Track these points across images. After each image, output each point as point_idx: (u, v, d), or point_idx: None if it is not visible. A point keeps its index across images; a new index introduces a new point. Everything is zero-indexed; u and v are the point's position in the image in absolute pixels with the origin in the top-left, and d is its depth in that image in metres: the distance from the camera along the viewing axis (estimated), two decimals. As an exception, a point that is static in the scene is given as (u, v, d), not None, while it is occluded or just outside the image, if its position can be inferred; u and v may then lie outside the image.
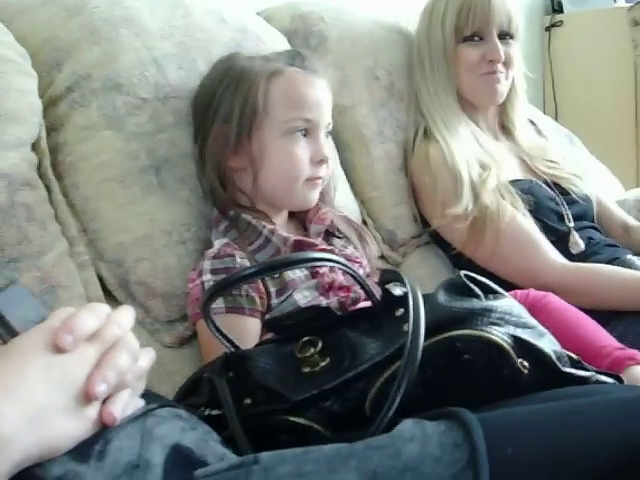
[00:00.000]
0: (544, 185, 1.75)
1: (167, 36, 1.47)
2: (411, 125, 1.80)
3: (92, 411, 0.67)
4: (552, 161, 1.85)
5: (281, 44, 1.72)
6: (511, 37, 1.77)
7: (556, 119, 2.70)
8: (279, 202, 1.38)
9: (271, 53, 1.43)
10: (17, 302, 0.72)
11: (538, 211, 1.66)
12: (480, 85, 1.77)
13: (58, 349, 0.66)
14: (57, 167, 1.33)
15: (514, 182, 1.68)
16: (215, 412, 0.94)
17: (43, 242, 1.22)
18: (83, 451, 0.66)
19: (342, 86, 1.74)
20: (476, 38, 1.74)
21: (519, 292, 1.28)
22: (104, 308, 0.74)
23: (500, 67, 1.76)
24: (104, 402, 0.69)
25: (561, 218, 1.70)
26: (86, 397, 0.66)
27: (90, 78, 1.35)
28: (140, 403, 0.75)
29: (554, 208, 1.71)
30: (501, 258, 1.62)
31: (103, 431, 0.68)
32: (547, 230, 1.65)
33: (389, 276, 0.95)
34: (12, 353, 0.66)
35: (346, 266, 0.94)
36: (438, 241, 1.76)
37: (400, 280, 0.91)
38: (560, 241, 1.67)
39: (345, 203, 1.65)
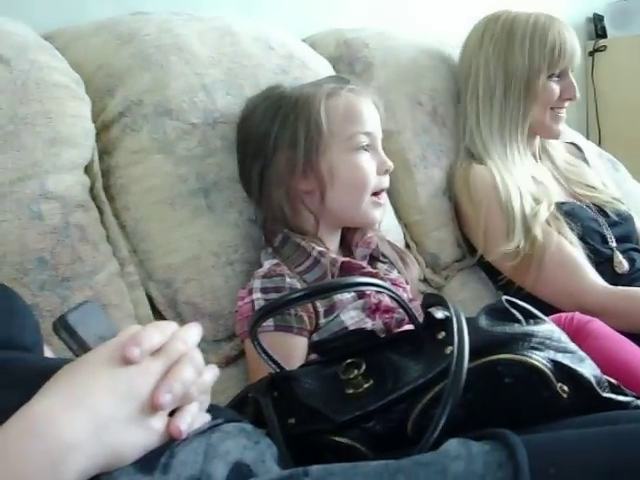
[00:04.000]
0: (585, 207, 1.76)
1: (215, 63, 1.51)
2: (459, 152, 1.82)
3: (158, 422, 0.70)
4: (590, 186, 1.86)
5: (326, 70, 1.75)
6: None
7: (599, 144, 2.70)
8: (347, 218, 1.42)
9: (315, 80, 1.47)
10: (90, 318, 0.76)
11: (583, 233, 1.66)
12: (547, 120, 1.80)
13: (125, 362, 0.69)
14: (109, 189, 1.38)
15: (558, 205, 1.69)
16: (262, 431, 0.97)
17: (95, 262, 1.26)
18: (149, 463, 0.68)
19: (386, 111, 1.74)
20: (556, 77, 1.77)
21: (563, 315, 1.29)
22: (171, 325, 0.77)
23: (567, 103, 1.81)
24: (172, 415, 0.72)
25: (604, 239, 1.71)
26: (152, 407, 0.69)
27: (141, 104, 1.40)
28: (207, 418, 0.77)
29: (597, 229, 1.72)
30: (545, 282, 1.63)
31: (169, 444, 0.70)
32: (591, 252, 1.65)
33: (432, 300, 0.96)
34: (81, 366, 0.70)
35: (390, 290, 0.96)
36: (483, 265, 1.77)
37: (443, 304, 0.92)
38: (604, 263, 1.67)
39: (389, 227, 1.68)
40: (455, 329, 0.86)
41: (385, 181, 1.42)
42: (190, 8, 1.69)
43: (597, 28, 3.18)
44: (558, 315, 1.26)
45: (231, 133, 1.44)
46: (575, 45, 1.77)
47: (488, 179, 1.69)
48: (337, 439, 0.91)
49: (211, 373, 0.79)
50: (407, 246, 1.76)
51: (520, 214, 1.62)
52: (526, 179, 1.72)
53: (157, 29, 1.50)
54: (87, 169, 1.34)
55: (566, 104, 1.81)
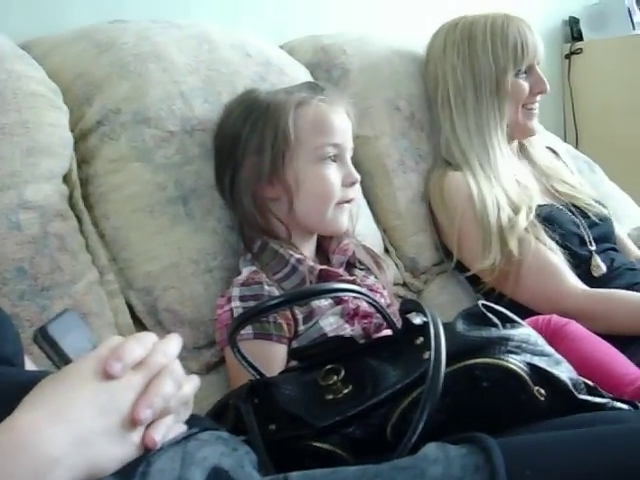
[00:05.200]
0: (565, 209, 1.77)
1: (193, 70, 1.51)
2: (436, 158, 1.83)
3: (136, 436, 0.70)
4: (569, 183, 1.87)
5: (304, 77, 1.76)
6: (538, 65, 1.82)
7: (577, 147, 2.71)
8: (313, 226, 1.41)
9: (290, 86, 1.47)
10: (70, 328, 0.76)
11: (561, 237, 1.67)
12: (521, 118, 1.81)
13: (107, 376, 0.70)
14: (88, 198, 1.38)
15: (538, 208, 1.70)
16: (241, 438, 0.97)
17: (74, 271, 1.26)
18: (127, 472, 0.69)
19: (364, 117, 1.77)
20: (524, 73, 1.78)
21: (541, 318, 1.30)
22: (151, 337, 0.78)
23: (538, 98, 1.82)
24: (148, 427, 0.72)
25: (583, 241, 1.72)
26: (132, 422, 0.69)
27: (120, 112, 1.40)
28: (183, 428, 0.78)
29: (576, 232, 1.72)
30: (524, 289, 1.64)
31: (146, 454, 0.71)
32: (570, 255, 1.66)
33: (409, 306, 0.97)
34: (63, 380, 0.70)
35: (368, 296, 0.97)
36: (462, 269, 1.78)
37: (420, 310, 0.93)
38: (582, 265, 1.68)
39: (367, 232, 1.69)
40: (432, 334, 0.87)
41: (351, 193, 1.42)
42: (168, 16, 1.70)
43: (573, 31, 3.20)
44: (535, 318, 1.28)
45: (209, 140, 1.45)
46: (536, 40, 1.78)
47: (463, 187, 1.70)
48: (317, 445, 0.92)
49: (191, 384, 0.79)
50: (386, 251, 1.77)
51: (496, 227, 1.62)
52: (509, 181, 1.72)
53: (135, 37, 1.50)
54: (66, 178, 1.34)
55: (538, 99, 1.82)
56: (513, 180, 1.75)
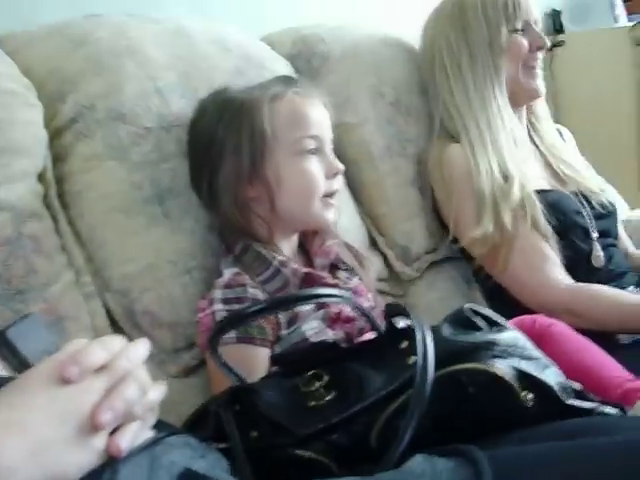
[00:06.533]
0: (572, 196, 1.73)
1: (170, 66, 1.48)
2: (431, 136, 1.80)
3: (98, 442, 0.68)
4: (576, 169, 1.84)
5: (284, 69, 1.73)
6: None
7: (559, 138, 2.70)
8: (298, 223, 1.39)
9: (263, 81, 1.44)
10: (32, 332, 0.74)
11: (564, 227, 1.65)
12: (522, 77, 1.77)
13: (64, 381, 0.67)
14: (63, 196, 1.34)
15: (541, 193, 1.66)
16: (222, 445, 0.95)
17: (50, 273, 1.23)
18: None
19: (347, 105, 1.76)
20: (521, 31, 1.75)
21: (527, 319, 1.28)
22: (117, 341, 0.75)
23: (540, 55, 1.80)
24: (112, 433, 0.70)
25: (586, 233, 1.69)
26: (92, 427, 0.67)
27: (94, 109, 1.36)
28: (149, 434, 0.76)
29: (580, 222, 1.69)
30: (512, 274, 1.63)
31: (112, 461, 0.69)
32: (569, 247, 1.64)
33: (394, 309, 0.95)
34: (19, 387, 0.68)
35: (351, 301, 0.94)
36: (460, 252, 1.76)
37: (405, 314, 0.91)
38: (581, 257, 1.67)
39: (350, 226, 1.67)
40: (419, 340, 0.85)
41: (335, 184, 1.39)
42: (144, 9, 1.66)
43: (555, 23, 3.19)
44: (520, 318, 1.25)
45: (186, 137, 1.41)
46: (528, 0, 1.77)
47: (462, 159, 1.68)
48: (300, 453, 0.90)
49: (158, 391, 0.76)
50: (373, 242, 1.75)
51: (491, 197, 1.60)
52: (508, 150, 1.69)
53: (110, 32, 1.46)
54: (40, 177, 1.30)
55: (539, 56, 1.79)
56: (513, 149, 1.71)
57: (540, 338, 1.21)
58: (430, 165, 1.75)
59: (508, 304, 1.59)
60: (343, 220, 1.56)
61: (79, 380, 0.68)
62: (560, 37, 3.14)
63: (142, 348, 0.76)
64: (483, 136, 1.69)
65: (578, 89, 3.09)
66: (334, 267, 1.42)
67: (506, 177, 1.63)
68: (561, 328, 1.26)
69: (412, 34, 1.94)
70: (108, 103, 1.37)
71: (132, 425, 0.71)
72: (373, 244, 1.76)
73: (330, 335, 1.25)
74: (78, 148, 1.35)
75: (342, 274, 1.41)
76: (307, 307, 1.26)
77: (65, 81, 1.38)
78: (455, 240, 1.72)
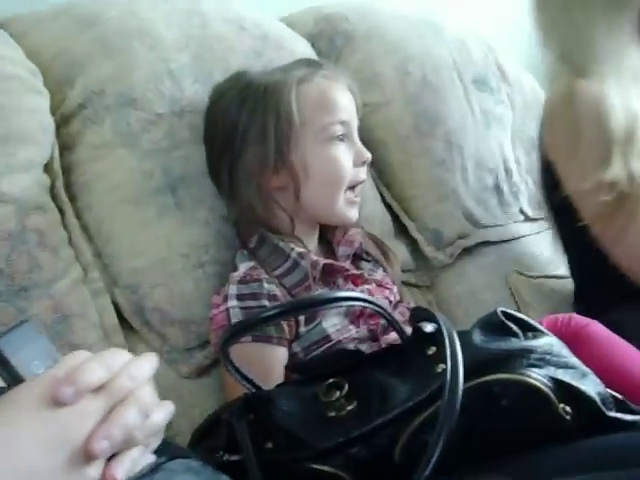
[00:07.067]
0: None
1: (183, 47, 1.41)
2: (555, 73, 1.55)
3: (93, 471, 0.61)
4: None
5: (304, 50, 1.65)
6: None
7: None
8: (321, 216, 1.32)
9: (285, 64, 1.37)
10: (27, 342, 0.67)
11: None
12: None
13: (57, 402, 0.60)
14: (70, 188, 1.28)
15: None
16: (235, 458, 0.89)
17: (55, 269, 1.17)
18: None
19: (372, 85, 1.70)
20: None
21: (560, 317, 1.20)
22: (119, 357, 0.68)
23: None
24: (110, 459, 0.63)
25: None
26: (86, 455, 0.60)
27: (103, 94, 1.30)
28: (150, 458, 0.69)
29: None
30: (626, 247, 1.39)
31: None
32: None
33: (421, 314, 0.88)
34: (7, 407, 0.61)
35: (374, 304, 0.88)
36: (560, 214, 1.54)
37: (433, 319, 0.84)
38: None
39: (374, 215, 1.60)
40: (448, 352, 0.78)
41: (362, 173, 1.33)
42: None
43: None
44: (554, 317, 1.18)
45: (200, 123, 1.34)
46: None
47: (595, 96, 1.40)
48: (318, 467, 0.84)
49: (163, 413, 0.69)
50: (402, 229, 1.67)
51: (623, 138, 1.36)
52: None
53: (120, 12, 1.40)
54: (47, 167, 1.24)
55: None
56: None
57: (576, 337, 1.14)
58: (555, 108, 1.52)
59: (605, 286, 1.43)
60: (365, 210, 1.49)
61: (74, 402, 0.61)
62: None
63: (147, 365, 0.69)
64: (617, 70, 1.44)
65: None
66: (357, 257, 1.36)
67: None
68: (599, 328, 1.18)
69: (437, 8, 1.88)
70: (118, 88, 1.31)
71: (132, 452, 0.65)
72: (399, 232, 1.69)
73: (353, 332, 1.19)
74: (86, 136, 1.29)
75: (365, 265, 1.35)
76: None
77: (73, 65, 1.32)
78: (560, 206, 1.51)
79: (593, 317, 1.24)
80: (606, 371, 0.94)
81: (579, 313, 1.26)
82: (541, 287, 1.72)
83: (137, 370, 0.67)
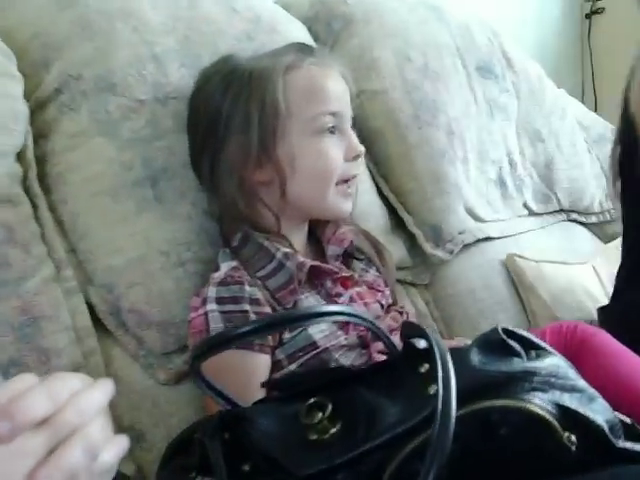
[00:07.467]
0: None
1: (169, 30, 1.33)
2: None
3: None
4: None
5: (299, 34, 1.58)
6: None
7: (595, 111, 2.55)
8: (309, 212, 1.25)
9: (274, 50, 1.29)
10: None
11: None
12: None
13: None
14: (44, 179, 1.21)
15: None
16: (208, 479, 0.82)
17: (25, 266, 1.10)
18: None
19: (371, 70, 1.63)
20: None
21: (565, 324, 1.13)
22: (68, 384, 0.60)
23: None
24: None
25: None
26: None
27: (80, 78, 1.22)
28: None
29: None
30: None
31: None
32: None
33: (412, 331, 0.80)
34: None
35: (362, 318, 0.80)
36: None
37: (424, 336, 0.77)
38: None
39: (370, 209, 1.53)
40: (440, 376, 0.70)
41: (354, 168, 1.25)
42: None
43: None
44: (559, 323, 1.11)
45: (185, 111, 1.27)
46: None
47: None
48: (299, 494, 0.76)
49: (114, 451, 0.61)
50: (400, 221, 1.60)
51: None
52: None
53: (103, -9, 1.32)
54: (19, 156, 1.17)
55: None
56: None
57: (582, 347, 1.07)
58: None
59: None
60: (360, 203, 1.41)
61: (10, 439, 0.54)
62: (600, 4, 2.98)
63: (99, 395, 0.61)
64: None
65: (617, 59, 2.88)
66: (349, 256, 1.29)
67: None
68: (606, 338, 1.11)
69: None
70: (96, 71, 1.24)
71: None
72: (396, 227, 1.61)
73: (341, 339, 1.12)
74: (62, 123, 1.22)
75: (357, 265, 1.28)
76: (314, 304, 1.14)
77: (50, 47, 1.25)
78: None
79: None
80: (612, 383, 0.89)
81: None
82: (541, 271, 1.66)
83: (87, 402, 0.59)
